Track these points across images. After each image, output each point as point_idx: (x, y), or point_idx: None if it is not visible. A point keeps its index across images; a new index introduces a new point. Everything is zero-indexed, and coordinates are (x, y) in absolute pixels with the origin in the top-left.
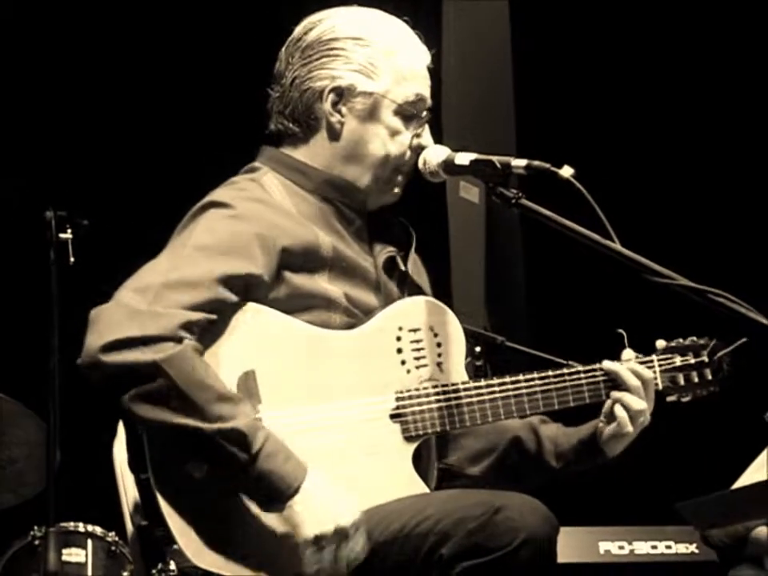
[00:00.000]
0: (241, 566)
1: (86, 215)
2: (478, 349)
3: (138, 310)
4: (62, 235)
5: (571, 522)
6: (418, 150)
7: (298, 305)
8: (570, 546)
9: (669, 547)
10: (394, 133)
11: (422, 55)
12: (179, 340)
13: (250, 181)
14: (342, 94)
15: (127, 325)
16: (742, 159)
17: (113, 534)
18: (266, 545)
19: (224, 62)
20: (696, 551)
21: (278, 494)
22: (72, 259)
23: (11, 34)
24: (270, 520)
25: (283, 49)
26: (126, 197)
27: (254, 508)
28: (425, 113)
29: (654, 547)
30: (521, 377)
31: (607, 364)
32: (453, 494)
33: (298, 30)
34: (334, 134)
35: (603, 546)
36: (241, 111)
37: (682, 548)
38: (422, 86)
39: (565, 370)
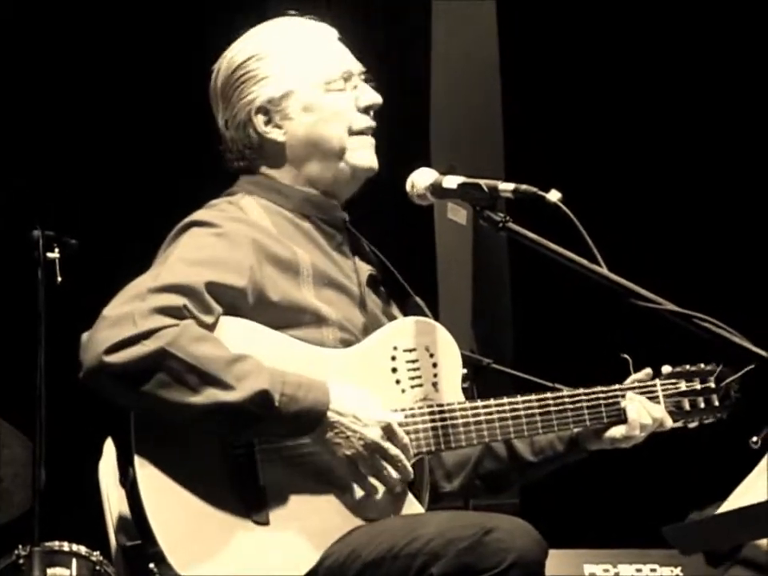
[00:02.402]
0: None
1: (74, 234)
2: (464, 371)
3: (126, 313)
4: (49, 254)
5: (556, 544)
6: (362, 108)
7: (287, 320)
8: (555, 568)
9: (654, 570)
10: (333, 109)
11: (321, 34)
12: (176, 325)
13: (228, 203)
14: (267, 111)
15: (121, 329)
16: (733, 185)
17: (97, 553)
18: (259, 551)
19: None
20: (680, 574)
21: (308, 429)
22: (59, 278)
23: None
24: (263, 528)
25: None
26: (114, 216)
27: (245, 519)
28: (356, 77)
29: (639, 570)
30: (518, 398)
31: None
32: (444, 515)
33: (211, 80)
34: (283, 147)
35: (588, 569)
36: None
37: (666, 571)
38: (336, 59)
39: (564, 392)
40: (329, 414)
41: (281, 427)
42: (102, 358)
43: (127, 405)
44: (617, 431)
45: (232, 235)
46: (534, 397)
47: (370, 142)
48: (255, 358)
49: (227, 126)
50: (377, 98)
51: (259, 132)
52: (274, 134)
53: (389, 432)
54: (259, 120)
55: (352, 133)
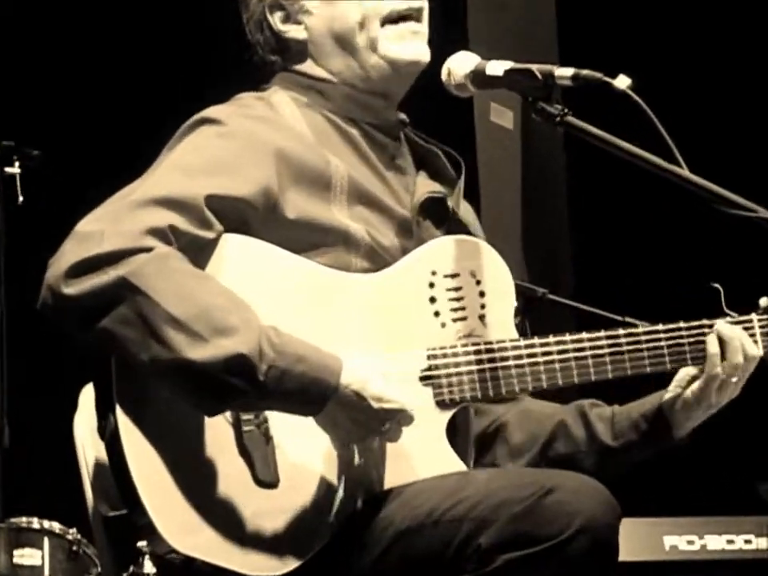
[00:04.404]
0: (231, 547)
1: (37, 145)
2: (515, 303)
3: (98, 230)
4: (8, 169)
5: (631, 512)
6: None
7: (307, 241)
8: (630, 541)
9: (748, 542)
10: None
11: None
12: (150, 249)
13: (257, 99)
14: (282, 6)
15: (86, 246)
16: None
17: (74, 531)
18: (268, 518)
19: None
20: None
21: (306, 411)
22: (21, 197)
23: None
24: (271, 492)
25: None
26: (82, 124)
27: (250, 479)
28: None
29: (731, 542)
30: (584, 335)
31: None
32: (494, 473)
33: None
34: (305, 45)
35: (669, 541)
36: (213, 33)
37: (763, 543)
38: None
39: (640, 329)
40: (338, 394)
41: (272, 405)
42: (61, 289)
43: (88, 342)
44: (709, 383)
45: (250, 137)
46: (602, 333)
47: (410, 29)
48: (252, 311)
49: (249, 30)
50: None
51: (277, 31)
52: (294, 31)
53: (407, 421)
54: (275, 18)
55: (386, 21)
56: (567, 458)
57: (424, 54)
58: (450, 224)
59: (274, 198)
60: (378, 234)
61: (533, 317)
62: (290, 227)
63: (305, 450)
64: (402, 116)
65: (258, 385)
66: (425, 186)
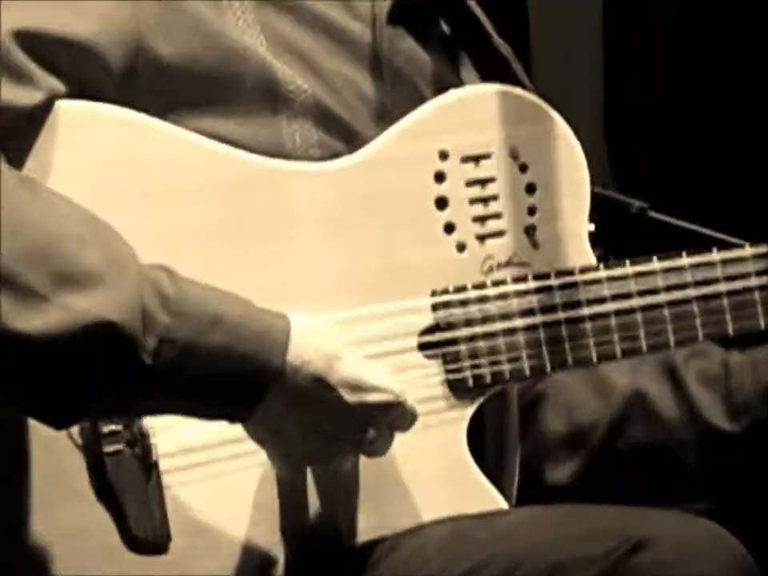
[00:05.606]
0: None
1: None
2: (591, 226)
3: None
4: None
5: None
6: None
7: (201, 97)
8: None
9: None
10: None
11: None
12: None
13: None
14: None
15: None
16: None
17: None
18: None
19: None
20: None
21: (225, 414)
22: None
23: None
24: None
25: None
26: None
27: (120, 543)
28: None
29: None
30: (715, 255)
31: None
32: (540, 513)
33: None
34: None
35: None
36: None
37: None
38: None
39: None
40: (284, 381)
41: (165, 406)
42: None
43: None
44: None
45: None
46: (748, 251)
47: None
48: (125, 242)
49: None
50: None
51: None
52: None
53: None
54: None
55: None
56: (652, 451)
57: None
58: (446, 54)
59: (135, 29)
60: (321, 72)
61: (622, 247)
62: (165, 77)
63: (220, 483)
64: None
65: (140, 371)
66: None
